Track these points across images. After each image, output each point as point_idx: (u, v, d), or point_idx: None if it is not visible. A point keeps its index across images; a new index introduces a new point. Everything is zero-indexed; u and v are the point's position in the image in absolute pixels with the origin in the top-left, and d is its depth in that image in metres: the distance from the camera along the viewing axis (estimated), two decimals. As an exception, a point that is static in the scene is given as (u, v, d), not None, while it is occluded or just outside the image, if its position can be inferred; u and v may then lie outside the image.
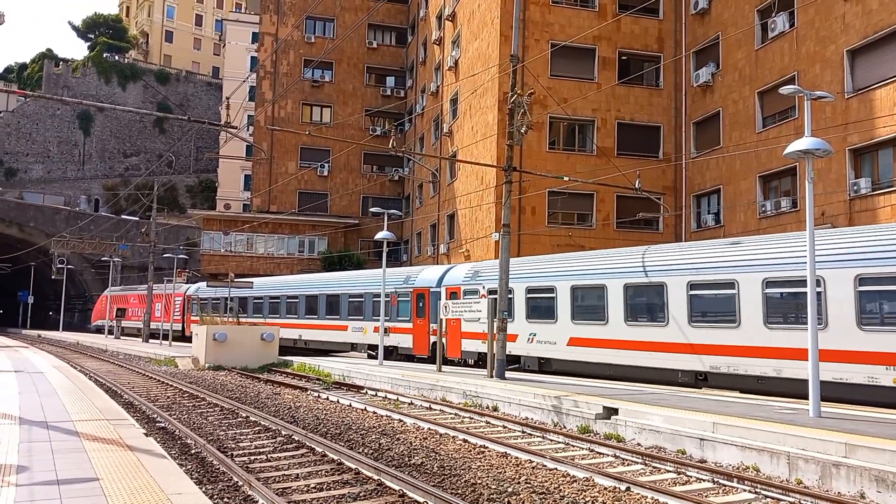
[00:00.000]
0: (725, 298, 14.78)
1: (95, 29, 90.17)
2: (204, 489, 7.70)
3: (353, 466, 8.97)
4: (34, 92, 76.09)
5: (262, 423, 12.61)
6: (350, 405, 15.57)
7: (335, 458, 9.53)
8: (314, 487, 8.03)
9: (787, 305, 13.92)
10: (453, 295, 22.01)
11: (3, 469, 6.48)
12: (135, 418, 11.65)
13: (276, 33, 48.41)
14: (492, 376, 16.85)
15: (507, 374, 17.64)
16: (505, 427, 12.67)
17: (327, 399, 16.73)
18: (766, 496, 8.08)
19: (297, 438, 10.96)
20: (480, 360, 20.75)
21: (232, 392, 17.74)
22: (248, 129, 56.72)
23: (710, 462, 9.61)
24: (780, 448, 8.92)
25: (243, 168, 61.30)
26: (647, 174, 28.75)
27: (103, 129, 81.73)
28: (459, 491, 7.99)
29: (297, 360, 24.84)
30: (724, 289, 14.81)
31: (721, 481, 8.65)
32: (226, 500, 7.54)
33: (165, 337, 39.15)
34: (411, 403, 15.77)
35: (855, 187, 22.55)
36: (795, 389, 12.99)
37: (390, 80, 49.50)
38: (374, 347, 25.19)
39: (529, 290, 19.62)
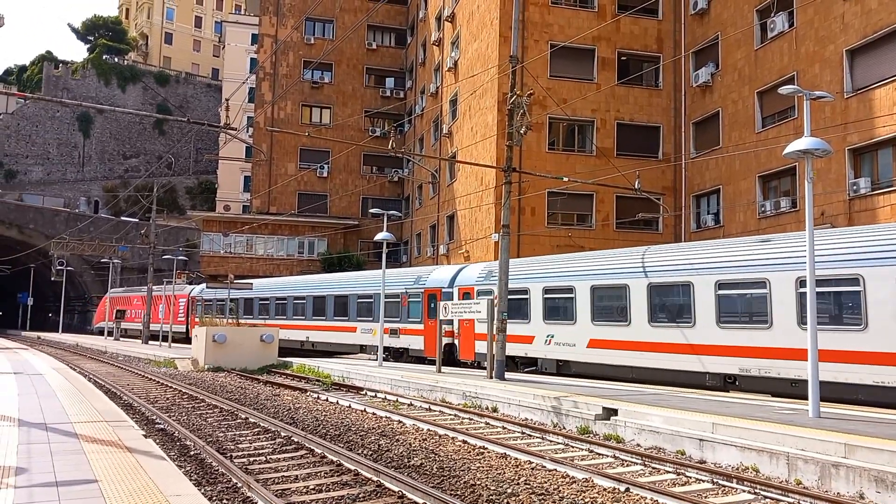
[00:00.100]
0: (756, 298, 14.25)
1: (95, 31, 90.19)
2: (203, 491, 7.69)
3: (353, 468, 8.97)
4: (34, 94, 76.03)
5: (262, 424, 12.60)
6: (349, 406, 15.56)
7: (334, 459, 9.52)
8: (313, 489, 8.02)
9: (823, 305, 13.25)
10: (466, 295, 21.64)
11: (2, 471, 6.48)
12: (134, 420, 11.65)
13: (276, 35, 48.42)
14: (491, 377, 16.84)
15: (513, 375, 17.65)
16: (504, 428, 12.66)
17: (327, 400, 16.72)
18: (766, 497, 8.07)
19: (296, 440, 10.95)
20: None
21: (231, 393, 17.73)
22: (247, 131, 56.73)
23: (710, 462, 9.60)
24: (780, 448, 8.91)
25: (243, 169, 61.34)
26: (647, 174, 28.76)
27: (103, 130, 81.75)
28: (459, 492, 7.98)
29: (297, 361, 24.82)
30: (755, 288, 14.27)
31: (720, 482, 8.65)
32: (225, 501, 7.53)
33: (166, 339, 39.09)
34: (411, 404, 15.76)
35: (854, 187, 22.54)
36: (835, 393, 12.57)
37: (390, 82, 49.52)
38: (384, 349, 24.89)
39: (547, 291, 19.12)
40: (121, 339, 44.56)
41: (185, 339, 38.88)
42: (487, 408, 14.48)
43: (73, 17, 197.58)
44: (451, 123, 36.46)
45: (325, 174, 47.38)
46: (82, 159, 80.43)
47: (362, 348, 26.87)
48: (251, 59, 63.62)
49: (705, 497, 8.00)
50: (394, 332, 24.50)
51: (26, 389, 13.48)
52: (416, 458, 9.71)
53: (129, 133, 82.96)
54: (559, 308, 18.74)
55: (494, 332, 17.28)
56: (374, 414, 14.32)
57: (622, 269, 17.25)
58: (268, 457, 9.82)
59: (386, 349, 24.65)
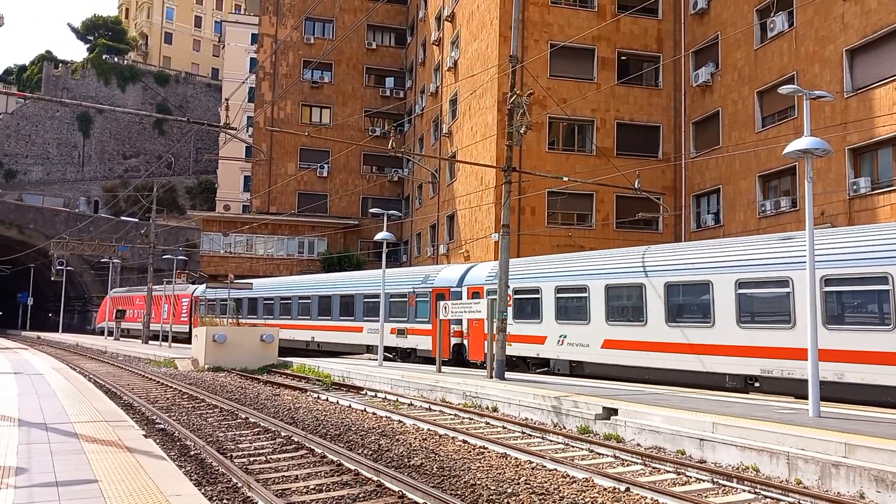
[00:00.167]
0: (779, 297, 13.84)
1: (95, 31, 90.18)
2: (203, 491, 7.69)
3: (353, 467, 8.97)
4: (33, 94, 76.04)
5: (262, 424, 12.60)
6: (350, 406, 15.56)
7: (335, 459, 9.52)
8: (313, 489, 8.02)
9: (850, 305, 12.98)
10: (476, 295, 21.35)
11: (3, 471, 6.48)
12: (134, 420, 11.65)
13: (276, 34, 48.42)
14: (491, 377, 16.84)
15: (513, 375, 17.64)
16: (504, 428, 12.66)
17: (327, 400, 16.72)
18: (766, 496, 8.07)
19: (296, 439, 10.95)
20: (507, 363, 20.27)
21: (231, 393, 17.73)
22: (247, 131, 56.73)
23: (710, 462, 9.60)
24: (780, 448, 8.91)
25: (243, 169, 61.33)
26: (647, 174, 28.76)
27: (103, 130, 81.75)
28: (459, 492, 7.98)
29: (297, 361, 24.82)
30: (777, 287, 13.86)
31: (721, 481, 8.65)
32: (225, 501, 7.53)
33: (172, 339, 39.02)
34: (411, 404, 15.76)
35: (854, 187, 22.55)
36: (863, 395, 12.36)
37: (390, 81, 49.52)
38: (390, 349, 24.59)
39: (559, 290, 18.74)
40: (121, 338, 44.56)
41: (189, 339, 38.78)
42: (488, 408, 14.48)
43: (72, 16, 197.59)
44: (450, 123, 36.46)
45: (324, 174, 47.38)
46: (82, 159, 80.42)
47: (369, 348, 26.46)
48: (251, 58, 63.61)
49: (706, 497, 8.00)
50: (401, 333, 24.16)
51: (26, 389, 13.48)
52: (416, 458, 9.71)
53: (128, 133, 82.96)
54: (572, 308, 18.39)
55: (494, 332, 17.27)
56: (374, 414, 14.32)
57: (638, 267, 16.84)
58: (268, 457, 9.82)
59: (393, 350, 24.50)
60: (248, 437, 11.38)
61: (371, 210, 24.81)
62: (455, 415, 14.16)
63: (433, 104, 40.26)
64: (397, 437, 11.51)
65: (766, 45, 26.72)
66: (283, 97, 47.29)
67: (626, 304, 17.03)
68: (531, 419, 13.22)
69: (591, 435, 11.53)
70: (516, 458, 9.91)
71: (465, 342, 21.85)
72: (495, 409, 14.27)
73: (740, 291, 14.49)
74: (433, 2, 41.73)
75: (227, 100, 18.91)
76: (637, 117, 31.32)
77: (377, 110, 47.91)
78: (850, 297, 13.02)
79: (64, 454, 7.30)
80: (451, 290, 22.33)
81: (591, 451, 10.62)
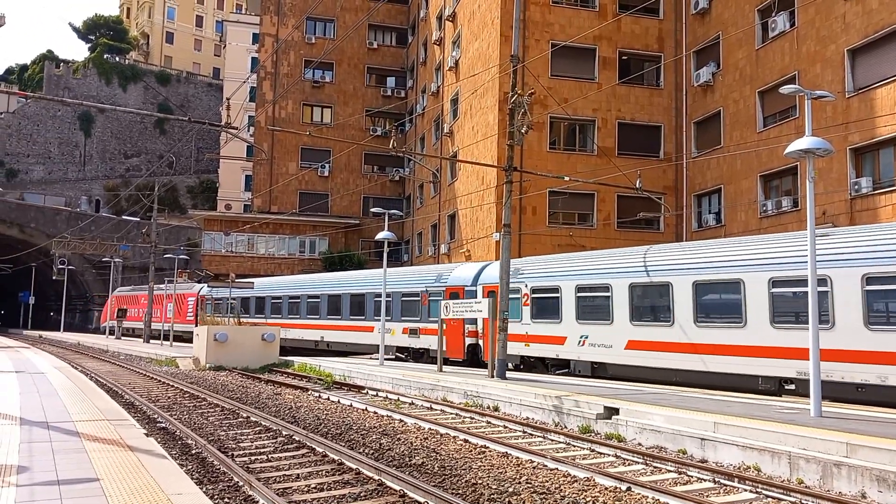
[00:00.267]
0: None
1: (96, 30, 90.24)
2: (204, 489, 7.70)
3: (354, 466, 8.97)
4: (35, 93, 76.11)
5: (263, 423, 12.61)
6: (351, 405, 15.57)
7: (336, 458, 9.53)
8: (315, 487, 8.03)
9: (894, 304, 12.44)
10: (491, 294, 20.39)
11: (4, 469, 6.48)
12: (135, 419, 11.66)
13: (277, 34, 48.43)
14: (493, 376, 16.83)
15: (515, 374, 17.63)
16: (506, 427, 12.66)
17: (328, 399, 16.73)
18: (767, 496, 8.07)
19: (297, 438, 10.96)
20: (522, 364, 19.81)
21: (233, 392, 17.74)
22: (248, 130, 56.76)
23: (711, 462, 9.60)
24: (782, 448, 8.91)
25: (244, 168, 61.36)
26: (648, 174, 28.74)
27: (104, 130, 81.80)
28: (460, 491, 7.98)
29: (298, 360, 24.83)
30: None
31: (722, 481, 8.64)
32: (226, 500, 7.54)
33: (176, 338, 38.99)
34: (412, 403, 15.76)
35: (856, 186, 22.53)
36: None
37: (391, 81, 49.51)
38: (402, 349, 24.32)
39: (580, 289, 18.13)
40: (122, 337, 44.60)
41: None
42: (489, 407, 14.48)
43: (74, 16, 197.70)
44: (452, 123, 36.45)
45: (326, 173, 47.39)
46: (83, 158, 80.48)
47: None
48: (252, 58, 63.63)
49: (707, 496, 8.00)
50: (413, 333, 23.67)
51: (28, 388, 13.49)
52: (417, 457, 9.71)
53: (130, 132, 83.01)
54: (594, 307, 17.79)
55: (496, 331, 17.27)
56: (375, 413, 14.32)
57: (664, 265, 16.29)
58: (269, 455, 9.82)
59: (405, 350, 24.19)
60: (249, 436, 11.39)
61: (372, 209, 24.80)
62: (456, 414, 14.16)
63: (434, 104, 40.26)
64: (398, 436, 11.52)
65: (768, 45, 26.70)
66: (285, 97, 47.30)
67: (651, 303, 16.45)
68: (532, 418, 13.23)
69: (593, 434, 11.53)
70: (517, 458, 9.91)
71: (481, 342, 21.40)
72: (496, 409, 14.27)
73: (774, 290, 13.94)
74: (434, 1, 41.73)
75: (228, 99, 18.93)
76: (638, 117, 31.31)
77: (378, 110, 47.91)
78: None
79: (65, 453, 7.30)
80: (466, 289, 21.76)
81: (593, 450, 10.62)
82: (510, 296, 19.76)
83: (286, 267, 44.97)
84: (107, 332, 48.35)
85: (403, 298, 24.29)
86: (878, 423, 9.92)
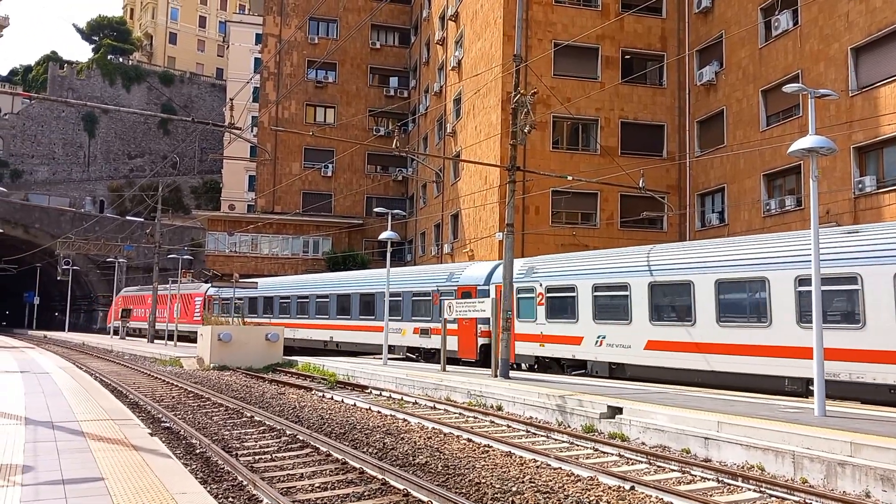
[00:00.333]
0: (845, 295, 12.92)
1: (100, 31, 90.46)
2: (209, 489, 7.72)
3: (358, 466, 8.99)
4: (39, 94, 76.28)
5: (267, 422, 12.63)
6: (354, 405, 15.59)
7: (339, 457, 9.54)
8: (318, 487, 8.04)
9: None
10: None
11: (9, 469, 6.51)
12: (140, 418, 11.69)
13: (280, 34, 48.48)
14: (496, 376, 16.84)
15: (518, 374, 17.63)
16: (509, 426, 12.67)
17: (332, 399, 16.75)
18: (771, 495, 8.06)
19: (301, 438, 10.98)
20: (537, 365, 19.52)
21: (237, 392, 17.77)
22: (252, 130, 56.82)
23: (715, 461, 9.59)
24: (785, 447, 8.90)
25: (247, 169, 61.39)
26: (651, 173, 28.70)
27: (108, 130, 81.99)
28: (464, 490, 7.99)
29: (302, 359, 24.86)
30: (844, 284, 12.89)
31: (726, 480, 8.64)
32: (231, 499, 7.56)
33: (184, 339, 39.02)
34: (416, 403, 15.78)
35: (860, 185, 22.48)
36: None
37: (394, 81, 49.53)
38: (413, 350, 23.96)
39: (597, 288, 17.70)
40: (126, 337, 44.70)
41: None
42: (492, 406, 14.48)
43: (77, 17, 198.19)
44: (454, 122, 36.46)
45: (329, 173, 47.44)
46: (87, 159, 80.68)
47: (390, 349, 25.58)
48: (255, 58, 63.68)
49: (711, 496, 8.00)
50: (424, 333, 23.23)
51: (33, 388, 13.53)
52: (421, 457, 9.73)
53: (133, 133, 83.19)
54: (612, 306, 17.36)
55: (499, 330, 17.27)
56: (378, 412, 14.34)
57: (686, 263, 15.86)
58: (273, 455, 9.84)
59: (416, 350, 23.89)
60: (253, 436, 11.41)
61: (375, 209, 24.82)
62: (460, 413, 14.17)
63: (437, 103, 40.27)
64: (402, 435, 11.53)
65: (771, 44, 26.65)
66: (288, 97, 47.35)
67: (672, 302, 16.04)
68: (536, 418, 13.23)
69: (596, 434, 11.53)
70: (521, 457, 9.92)
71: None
72: (500, 408, 14.28)
73: (801, 289, 13.47)
74: (437, 1, 41.73)
75: (231, 100, 18.94)
76: (641, 116, 31.28)
77: (381, 110, 47.93)
78: None
79: (70, 452, 7.33)
80: (479, 288, 21.30)
81: (596, 449, 10.62)
82: (524, 295, 19.65)
83: (290, 267, 45.03)
84: (111, 332, 48.45)
85: (414, 298, 23.84)
86: (883, 423, 9.91)
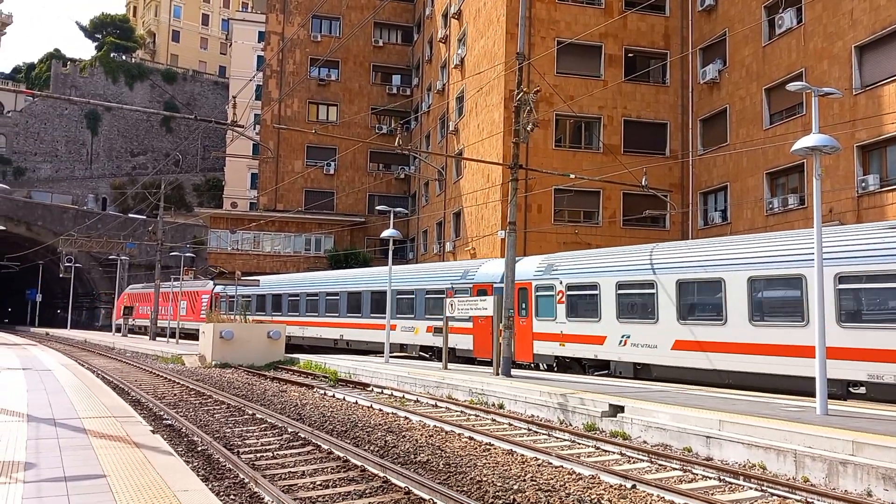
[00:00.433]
0: (890, 293, 12.37)
1: (103, 29, 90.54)
2: (210, 486, 7.72)
3: (359, 464, 8.99)
4: (42, 92, 76.50)
5: (269, 420, 12.65)
6: (356, 402, 15.60)
7: (341, 455, 9.55)
8: (320, 484, 8.05)
9: None
10: (522, 291, 19.81)
11: (12, 466, 6.53)
12: (142, 416, 11.71)
13: (283, 32, 48.47)
14: (497, 374, 16.84)
15: (519, 372, 17.62)
16: (510, 425, 12.67)
17: (333, 396, 16.76)
18: (773, 494, 8.05)
19: (303, 436, 10.99)
20: (558, 365, 19.01)
21: (238, 389, 17.79)
22: (254, 128, 56.84)
23: (717, 460, 9.58)
24: (787, 446, 8.88)
25: (250, 167, 61.45)
26: (654, 171, 28.66)
27: (111, 128, 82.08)
28: (465, 488, 7.99)
29: (304, 357, 24.87)
30: (889, 282, 12.36)
31: (727, 479, 8.63)
32: (232, 496, 7.56)
33: (192, 336, 39.00)
34: (417, 401, 15.78)
35: (863, 184, 22.42)
36: None
37: (396, 79, 49.49)
38: (426, 349, 23.47)
39: (621, 286, 17.16)
40: (129, 335, 44.76)
41: None
42: (493, 404, 14.48)
43: (81, 15, 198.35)
44: (457, 120, 36.43)
45: (331, 171, 47.44)
46: (90, 157, 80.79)
47: (402, 347, 25.05)
48: (258, 56, 63.66)
49: (712, 494, 7.99)
50: (438, 331, 22.29)
51: (35, 385, 13.56)
52: (422, 455, 9.73)
53: (136, 130, 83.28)
54: (637, 305, 16.83)
55: (501, 329, 17.25)
56: (380, 410, 14.34)
57: (716, 260, 15.28)
58: (275, 452, 9.85)
59: (430, 349, 23.52)
60: (254, 433, 11.43)
61: (378, 207, 24.80)
62: (461, 411, 14.18)
63: (440, 101, 40.25)
64: (403, 433, 11.53)
65: (775, 42, 26.58)
66: (290, 95, 47.35)
67: (701, 300, 15.50)
68: (537, 416, 13.23)
69: (598, 432, 11.52)
70: (522, 455, 9.91)
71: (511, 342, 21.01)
72: (501, 406, 14.28)
73: (841, 287, 12.96)
74: (440, -1, 41.70)
75: (234, 97, 18.94)
76: (644, 114, 31.23)
77: (384, 108, 47.92)
78: None
79: (72, 449, 7.34)
80: (494, 286, 20.69)
81: (598, 448, 10.61)
82: (543, 293, 19.24)
83: (292, 265, 45.07)
84: (116, 329, 48.50)
85: (427, 296, 23.28)
86: (885, 422, 9.89)
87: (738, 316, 14.65)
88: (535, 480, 8.40)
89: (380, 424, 12.43)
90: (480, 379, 15.73)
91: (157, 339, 40.01)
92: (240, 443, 10.56)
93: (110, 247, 46.45)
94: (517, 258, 21.81)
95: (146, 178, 68.44)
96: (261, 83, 51.55)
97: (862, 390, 12.87)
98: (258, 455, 9.66)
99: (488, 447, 10.49)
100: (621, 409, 11.70)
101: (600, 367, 17.90)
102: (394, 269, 27.33)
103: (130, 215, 64.47)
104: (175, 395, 16.65)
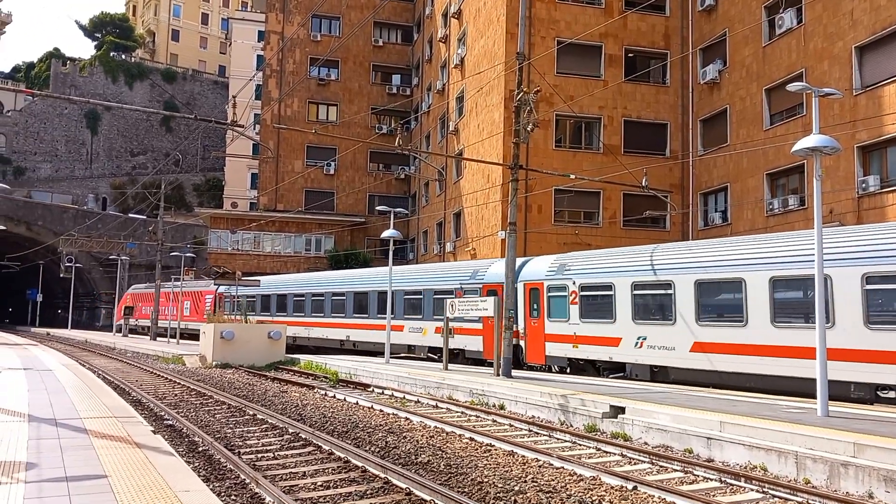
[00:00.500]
0: None
1: (102, 28, 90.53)
2: (211, 486, 7.72)
3: (360, 464, 8.99)
4: (42, 91, 76.53)
5: (269, 420, 12.64)
6: (357, 403, 15.59)
7: (342, 455, 9.55)
8: (321, 485, 8.05)
9: None
10: (534, 291, 19.54)
11: (13, 466, 6.53)
12: (143, 416, 11.71)
13: (282, 32, 48.47)
14: (498, 374, 16.84)
15: (520, 373, 17.61)
16: (511, 425, 12.67)
17: (334, 397, 16.76)
18: (774, 496, 8.05)
19: (303, 436, 10.98)
20: (571, 367, 18.71)
21: (239, 390, 17.79)
22: (254, 128, 56.83)
23: (718, 461, 9.58)
24: (788, 447, 8.88)
25: (250, 166, 61.45)
26: (654, 172, 28.65)
27: (110, 127, 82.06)
28: (466, 489, 7.99)
29: (304, 358, 24.87)
30: None
31: (728, 481, 8.63)
32: (233, 497, 7.56)
33: (195, 337, 38.94)
34: (418, 401, 15.78)
35: (863, 185, 22.42)
36: None
37: (396, 79, 49.50)
38: (434, 350, 23.05)
39: (636, 286, 16.77)
40: (129, 335, 44.76)
41: None
42: (494, 405, 14.48)
43: (80, 14, 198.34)
44: (457, 120, 36.43)
45: (331, 171, 47.44)
46: (90, 156, 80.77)
47: (410, 348, 24.73)
48: (258, 56, 63.66)
49: (713, 496, 7.99)
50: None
51: (36, 385, 13.56)
52: (423, 456, 9.73)
53: (136, 130, 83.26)
54: (653, 306, 16.48)
55: (502, 329, 17.25)
56: (381, 411, 14.34)
57: (737, 259, 14.91)
58: (276, 453, 9.85)
59: (438, 350, 22.71)
60: (255, 434, 11.42)
61: (378, 207, 24.77)
62: (462, 412, 14.17)
63: (440, 101, 40.24)
64: (404, 434, 11.53)
65: (775, 42, 26.59)
66: (290, 94, 47.35)
67: (721, 301, 15.14)
68: (538, 417, 13.22)
69: (599, 433, 11.52)
70: (523, 456, 9.91)
71: (523, 343, 20.10)
72: (502, 407, 14.27)
73: (869, 287, 12.54)
74: (440, -1, 41.70)
75: (234, 97, 18.95)
76: (644, 115, 31.23)
77: (384, 108, 47.92)
78: None
79: (73, 449, 7.34)
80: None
81: (599, 449, 10.61)
82: (556, 294, 18.90)
83: (292, 265, 45.07)
84: (114, 329, 48.47)
85: (436, 296, 22.82)
86: (886, 423, 9.89)
87: (759, 317, 14.27)
88: (536, 481, 8.40)
89: (381, 425, 12.43)
90: (481, 380, 15.73)
91: (158, 339, 40.00)
92: (241, 443, 10.55)
93: (110, 247, 46.46)
94: (525, 259, 21.85)
95: (146, 177, 68.45)
96: (261, 83, 51.56)
97: (892, 394, 12.56)
98: (259, 456, 9.65)
99: (489, 448, 10.49)
100: (622, 410, 11.70)
101: (615, 369, 17.52)
102: (402, 269, 26.99)
103: (130, 215, 64.49)
104: (176, 395, 16.65)
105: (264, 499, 7.51)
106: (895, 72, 21.81)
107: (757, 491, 8.23)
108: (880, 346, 12.46)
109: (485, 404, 14.70)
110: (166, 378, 20.69)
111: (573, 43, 29.53)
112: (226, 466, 8.96)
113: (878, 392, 12.81)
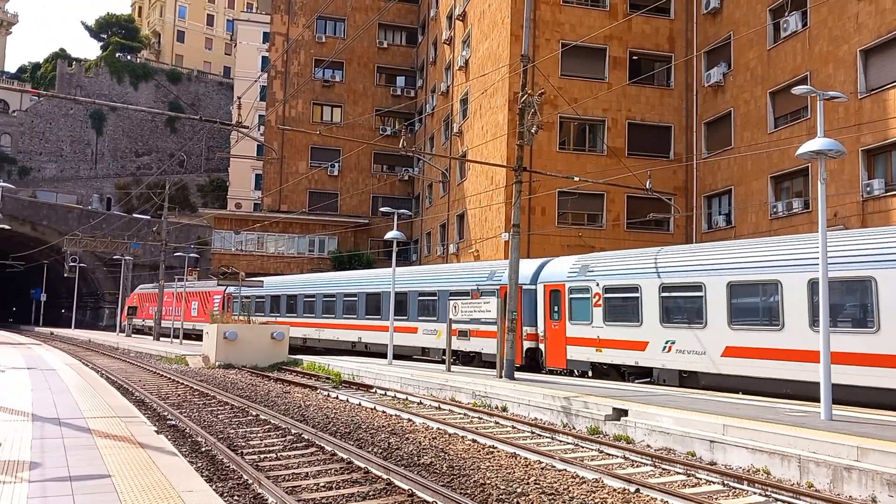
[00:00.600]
0: None
1: (108, 29, 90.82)
2: (214, 487, 7.74)
3: (363, 466, 9.00)
4: (47, 91, 76.74)
5: (272, 421, 12.66)
6: (360, 404, 15.60)
7: (344, 456, 9.56)
8: (323, 486, 8.06)
9: None
10: (555, 293, 19.04)
11: (17, 465, 6.55)
12: (146, 416, 11.73)
13: (287, 33, 48.58)
14: (501, 376, 16.83)
15: (523, 375, 17.60)
16: (514, 427, 12.66)
17: (337, 398, 16.77)
18: (777, 499, 8.04)
19: (306, 437, 11.00)
20: (593, 372, 18.24)
21: (242, 390, 17.81)
22: (259, 129, 56.95)
23: (720, 464, 9.57)
24: (791, 451, 8.86)
25: (254, 167, 61.57)
26: (658, 174, 28.65)
27: (115, 128, 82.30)
28: (468, 491, 7.99)
29: (307, 359, 24.89)
30: None
31: (731, 484, 8.62)
32: (236, 497, 7.58)
33: (199, 337, 38.95)
34: (420, 403, 15.79)
35: (868, 188, 22.37)
36: None
37: (401, 80, 49.57)
38: (452, 352, 22.35)
39: (665, 288, 16.21)
40: (132, 335, 44.85)
41: None
42: (497, 407, 14.48)
43: (86, 15, 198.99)
44: (461, 122, 36.46)
45: (335, 173, 47.51)
46: (95, 157, 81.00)
47: (424, 351, 24.30)
48: (263, 57, 63.82)
49: (716, 499, 7.98)
50: (463, 334, 21.95)
51: (40, 385, 13.60)
52: (425, 457, 9.73)
53: (141, 131, 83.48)
54: (682, 309, 15.93)
55: (503, 331, 17.24)
56: (383, 412, 14.35)
57: (772, 261, 14.29)
58: (278, 454, 9.87)
59: (454, 353, 22.34)
60: (258, 434, 11.44)
61: (381, 209, 24.75)
62: (464, 414, 14.17)
63: (444, 103, 40.27)
64: (407, 435, 11.54)
65: (780, 45, 26.55)
66: (295, 96, 47.44)
67: (755, 304, 14.58)
68: (541, 419, 13.22)
69: (601, 436, 11.51)
70: (526, 458, 9.91)
71: (542, 346, 19.64)
72: (505, 409, 14.27)
73: None
74: (444, 1, 41.74)
75: (239, 98, 18.98)
76: (648, 117, 31.21)
77: (388, 109, 47.98)
78: None
79: (77, 449, 7.36)
80: (524, 287, 19.61)
81: (601, 451, 10.60)
82: (578, 296, 18.46)
83: (295, 266, 45.13)
84: (118, 329, 48.56)
85: (451, 298, 22.13)
86: (890, 427, 9.86)
87: (796, 321, 13.63)
88: (539, 483, 8.40)
89: (383, 426, 12.43)
90: (484, 381, 15.72)
91: (161, 339, 40.07)
92: (244, 444, 10.57)
93: (115, 247, 46.59)
94: (545, 259, 21.51)
95: (151, 178, 68.63)
96: (265, 84, 51.67)
97: None
98: (262, 456, 9.67)
99: (492, 450, 10.49)
100: (625, 412, 11.68)
101: (642, 374, 17.02)
102: (416, 270, 26.90)
103: (135, 215, 64.66)
104: (179, 395, 16.68)
105: (267, 499, 7.52)
106: (900, 75, 21.77)
107: (760, 494, 8.21)
108: None
109: (488, 406, 14.70)
110: (169, 378, 20.73)
111: (577, 45, 29.53)
112: (229, 467, 8.98)
113: None
